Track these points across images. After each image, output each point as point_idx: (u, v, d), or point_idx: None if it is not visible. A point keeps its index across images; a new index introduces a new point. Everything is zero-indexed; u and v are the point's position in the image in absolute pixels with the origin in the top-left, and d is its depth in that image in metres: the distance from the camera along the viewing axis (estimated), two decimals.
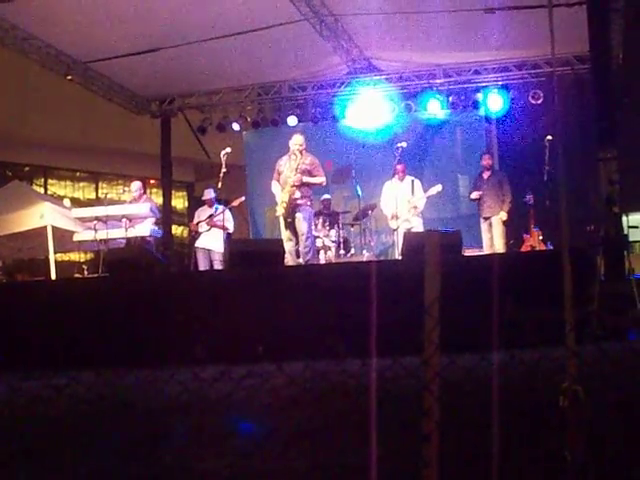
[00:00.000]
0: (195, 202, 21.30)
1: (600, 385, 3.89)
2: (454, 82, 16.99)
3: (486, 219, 14.58)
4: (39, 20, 14.10)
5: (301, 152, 12.32)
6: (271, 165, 13.04)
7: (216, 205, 14.83)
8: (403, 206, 14.38)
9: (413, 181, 14.74)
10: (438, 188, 14.48)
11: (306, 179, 12.24)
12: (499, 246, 14.25)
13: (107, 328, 8.21)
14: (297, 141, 12.40)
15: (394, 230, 14.38)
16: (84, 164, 23.14)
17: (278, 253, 10.32)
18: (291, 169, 12.21)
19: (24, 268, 20.31)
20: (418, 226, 14.34)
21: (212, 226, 14.56)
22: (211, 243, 14.62)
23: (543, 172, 13.60)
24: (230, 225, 14.75)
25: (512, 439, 3.08)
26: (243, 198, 15.18)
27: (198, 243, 14.80)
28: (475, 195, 14.75)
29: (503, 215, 14.35)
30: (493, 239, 14.38)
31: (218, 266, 14.36)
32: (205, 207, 15.17)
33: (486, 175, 14.78)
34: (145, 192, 15.51)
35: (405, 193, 14.54)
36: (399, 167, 14.69)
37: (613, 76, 11.50)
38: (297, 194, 12.13)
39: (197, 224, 14.84)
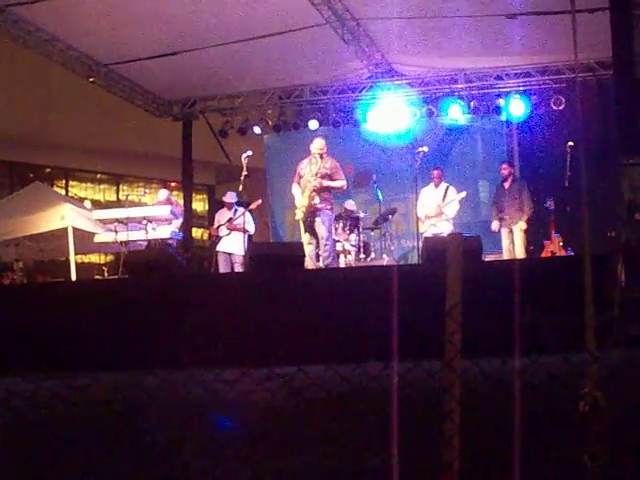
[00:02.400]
0: (216, 205, 21.35)
1: (621, 391, 3.88)
2: (476, 87, 16.97)
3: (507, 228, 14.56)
4: (61, 22, 14.19)
5: (321, 156, 12.27)
6: (292, 168, 13.04)
7: (235, 207, 14.84)
8: (431, 210, 14.48)
9: (448, 187, 14.79)
10: (462, 195, 14.56)
11: (326, 183, 12.20)
12: (519, 252, 14.22)
13: (127, 329, 8.24)
14: (318, 145, 12.35)
15: (422, 234, 14.34)
16: (105, 166, 23.23)
17: (298, 257, 10.31)
18: (311, 173, 12.16)
19: (45, 269, 20.40)
20: (446, 231, 14.33)
21: (232, 229, 14.58)
22: (232, 247, 14.63)
23: (564, 178, 13.56)
24: (251, 227, 14.73)
25: (532, 443, 3.08)
26: (260, 201, 15.17)
27: (219, 247, 14.81)
28: (495, 227, 14.72)
29: (522, 225, 14.33)
30: (513, 245, 14.36)
31: (239, 269, 14.36)
32: (224, 210, 15.19)
33: (507, 185, 14.75)
34: (170, 199, 15.59)
35: (437, 198, 14.66)
36: (435, 172, 14.90)
37: (636, 82, 11.43)
38: (317, 199, 12.08)
39: (217, 228, 14.86)
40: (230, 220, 14.69)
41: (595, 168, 14.24)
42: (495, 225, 14.68)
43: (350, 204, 15.68)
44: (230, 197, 15.03)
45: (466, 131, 17.85)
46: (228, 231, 14.64)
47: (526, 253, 14.37)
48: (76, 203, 17.48)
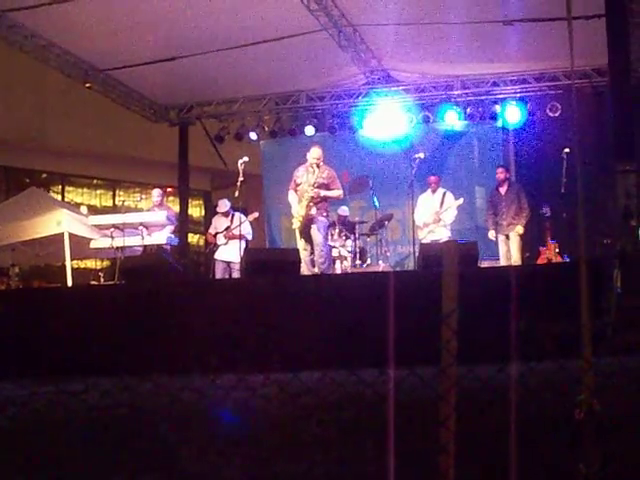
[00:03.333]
0: (212, 210, 21.35)
1: (616, 398, 3.88)
2: (472, 94, 16.94)
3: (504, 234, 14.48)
4: (58, 28, 14.17)
5: (318, 165, 12.26)
6: (288, 175, 13.05)
7: (231, 212, 14.81)
8: (429, 217, 14.48)
9: (445, 193, 14.78)
10: (459, 202, 14.52)
11: (324, 193, 12.20)
12: (516, 258, 14.15)
13: (122, 335, 8.22)
14: (315, 154, 12.33)
15: (420, 240, 14.30)
16: (101, 171, 23.18)
17: (294, 262, 10.32)
18: (309, 183, 12.16)
19: (40, 274, 20.39)
20: (444, 237, 14.30)
21: (230, 238, 14.55)
22: (229, 255, 14.59)
23: (560, 184, 13.55)
24: (248, 234, 14.71)
25: (527, 450, 3.08)
26: (257, 214, 15.11)
27: (217, 255, 14.79)
28: (492, 235, 14.64)
29: (520, 229, 14.22)
30: (510, 251, 14.27)
31: (237, 276, 14.32)
32: (221, 215, 15.14)
33: (503, 190, 14.59)
34: (164, 200, 15.55)
35: (434, 205, 14.65)
36: (432, 179, 14.91)
37: (632, 89, 11.45)
38: (313, 210, 12.09)
39: (215, 235, 14.84)
40: (228, 229, 14.66)
41: (591, 175, 14.25)
42: (492, 234, 14.59)
43: (343, 210, 15.64)
44: (223, 206, 15.01)
45: (462, 137, 17.84)
46: (226, 240, 14.62)
47: (522, 259, 14.32)
48: (72, 208, 17.43)
